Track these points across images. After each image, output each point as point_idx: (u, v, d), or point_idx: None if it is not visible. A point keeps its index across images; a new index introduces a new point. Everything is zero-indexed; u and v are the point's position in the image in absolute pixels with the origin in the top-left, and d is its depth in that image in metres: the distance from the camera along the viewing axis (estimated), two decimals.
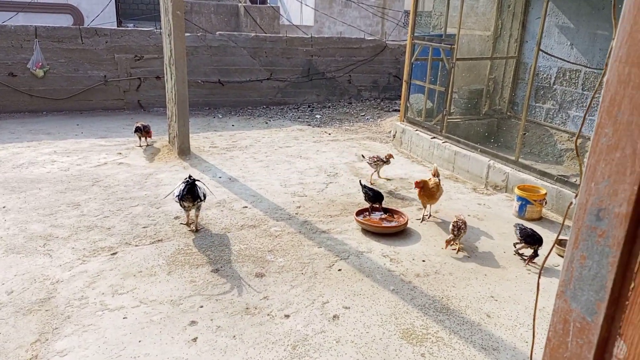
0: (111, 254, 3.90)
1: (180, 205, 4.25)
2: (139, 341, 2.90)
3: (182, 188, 4.15)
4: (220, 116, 8.97)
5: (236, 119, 8.84)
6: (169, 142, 6.87)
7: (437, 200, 4.60)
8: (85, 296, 3.32)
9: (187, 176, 4.26)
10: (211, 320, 3.12)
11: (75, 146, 6.74)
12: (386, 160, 5.67)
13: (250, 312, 3.21)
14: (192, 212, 4.37)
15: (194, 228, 4.35)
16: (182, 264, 3.79)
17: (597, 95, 5.03)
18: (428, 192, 4.45)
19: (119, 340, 2.90)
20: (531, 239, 3.81)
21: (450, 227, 3.99)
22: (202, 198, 4.27)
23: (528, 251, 3.91)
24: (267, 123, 8.57)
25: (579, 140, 6.03)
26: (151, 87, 9.01)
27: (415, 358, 2.80)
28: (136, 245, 4.07)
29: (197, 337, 2.96)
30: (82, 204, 4.84)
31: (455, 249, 4.05)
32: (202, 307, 3.26)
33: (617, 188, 0.71)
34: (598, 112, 0.73)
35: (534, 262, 3.87)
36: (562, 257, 3.96)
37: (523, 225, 4.02)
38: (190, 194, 4.14)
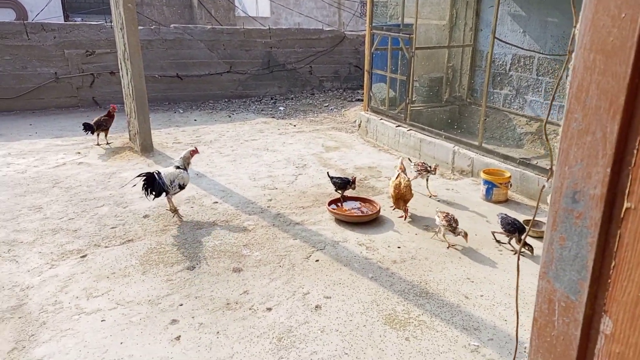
0: (81, 257, 3.76)
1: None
2: (121, 343, 2.82)
3: (142, 185, 4.16)
4: (181, 111, 8.75)
5: (198, 113, 8.66)
6: (130, 140, 6.66)
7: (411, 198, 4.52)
8: (59, 301, 3.19)
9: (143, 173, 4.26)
10: (192, 317, 3.07)
11: (30, 147, 6.42)
12: (432, 171, 4.90)
13: (232, 308, 3.18)
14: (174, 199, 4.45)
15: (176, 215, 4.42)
16: (156, 263, 3.69)
17: (561, 83, 5.25)
18: (402, 197, 4.36)
19: (99, 344, 2.81)
20: (511, 227, 3.85)
21: (445, 222, 3.86)
22: (170, 189, 4.25)
23: (507, 239, 3.98)
24: (230, 117, 8.44)
25: (537, 124, 6.28)
26: (105, 83, 8.68)
27: (400, 342, 2.86)
28: (106, 247, 3.94)
29: (180, 336, 2.90)
30: (45, 207, 4.62)
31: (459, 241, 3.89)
32: (181, 305, 3.20)
33: (591, 171, 0.72)
34: (567, 98, 0.75)
35: (504, 244, 3.99)
36: (533, 237, 4.14)
37: (505, 215, 3.99)
38: (151, 187, 4.16)
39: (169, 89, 9.21)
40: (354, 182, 4.67)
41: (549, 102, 6.15)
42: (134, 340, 2.84)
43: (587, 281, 0.75)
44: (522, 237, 3.63)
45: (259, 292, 3.36)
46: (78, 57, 8.38)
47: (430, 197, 4.96)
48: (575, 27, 0.81)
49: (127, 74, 6.13)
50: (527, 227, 3.82)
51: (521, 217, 4.48)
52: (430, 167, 4.95)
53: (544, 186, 3.80)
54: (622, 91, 0.66)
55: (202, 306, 3.19)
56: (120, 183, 5.25)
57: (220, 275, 3.56)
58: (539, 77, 6.29)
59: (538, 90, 6.34)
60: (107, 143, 6.57)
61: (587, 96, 0.71)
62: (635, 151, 0.66)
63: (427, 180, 5.01)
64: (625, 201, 0.68)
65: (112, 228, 4.25)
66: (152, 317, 3.06)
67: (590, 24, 0.70)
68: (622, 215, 0.69)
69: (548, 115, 1.47)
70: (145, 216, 4.49)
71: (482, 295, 3.33)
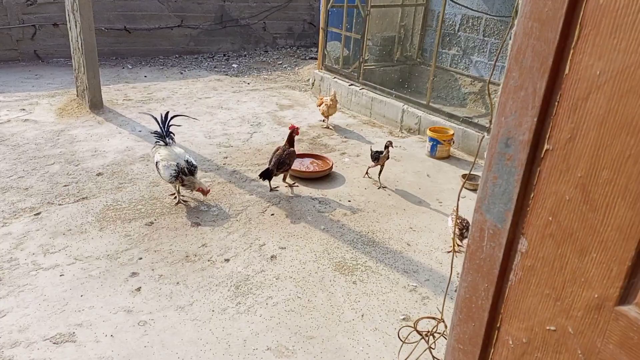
0: (34, 215, 3.77)
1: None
2: (81, 295, 2.93)
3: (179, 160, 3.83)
4: (130, 67, 8.49)
5: (148, 69, 8.43)
6: (78, 96, 6.46)
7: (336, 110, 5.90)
8: (14, 258, 3.24)
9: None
10: (152, 270, 3.21)
11: None
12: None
13: (191, 260, 3.34)
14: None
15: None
16: (113, 220, 3.77)
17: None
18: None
19: (59, 297, 2.91)
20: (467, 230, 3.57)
21: (457, 230, 3.26)
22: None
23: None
24: (182, 73, 8.29)
25: (480, 85, 6.59)
26: (48, 36, 8.25)
27: (348, 285, 3.14)
28: (60, 204, 3.95)
29: (140, 287, 3.05)
30: None
31: (459, 250, 3.35)
32: (141, 259, 3.32)
33: (522, 120, 0.88)
34: (507, 59, 0.90)
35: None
36: (467, 189, 4.48)
37: (463, 219, 3.43)
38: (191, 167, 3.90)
39: (117, 43, 8.86)
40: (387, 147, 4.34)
41: (493, 62, 6.44)
42: (94, 293, 2.96)
43: (511, 211, 0.90)
44: (459, 191, 3.89)
45: (217, 244, 3.53)
46: (18, 7, 7.88)
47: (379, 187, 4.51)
48: None
49: (75, 26, 5.88)
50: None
51: (460, 172, 4.82)
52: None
53: (483, 137, 4.06)
54: (551, 54, 0.80)
55: (161, 259, 3.33)
56: (70, 140, 5.16)
57: (179, 230, 3.69)
58: (485, 38, 6.55)
59: (483, 51, 6.61)
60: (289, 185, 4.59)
61: (524, 58, 0.84)
62: (556, 103, 0.82)
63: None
64: (546, 144, 0.84)
65: (65, 186, 4.24)
66: (111, 271, 3.18)
67: None
68: (542, 156, 0.85)
69: (491, 75, 1.65)
70: (99, 174, 4.49)
71: (422, 243, 3.64)
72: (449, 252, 3.52)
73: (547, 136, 0.84)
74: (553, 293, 0.91)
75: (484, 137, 4.57)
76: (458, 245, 3.26)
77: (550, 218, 0.87)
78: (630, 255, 0.77)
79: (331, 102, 5.83)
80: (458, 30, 6.87)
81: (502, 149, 0.94)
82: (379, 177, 4.53)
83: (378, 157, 4.40)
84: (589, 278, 0.85)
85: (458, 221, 3.27)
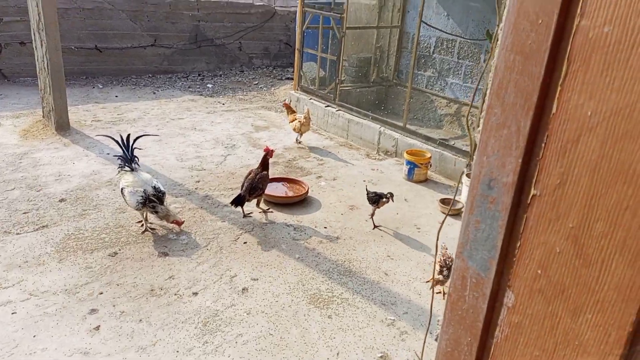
0: None
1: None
2: (34, 336, 2.71)
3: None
4: (101, 86, 8.26)
5: (119, 89, 8.22)
6: (44, 117, 6.21)
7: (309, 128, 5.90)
8: None
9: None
10: (113, 306, 3.00)
11: None
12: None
13: (156, 294, 3.14)
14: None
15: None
16: (74, 250, 3.54)
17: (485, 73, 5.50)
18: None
19: (9, 338, 2.68)
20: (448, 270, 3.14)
21: (438, 267, 3.10)
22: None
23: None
24: (155, 93, 8.10)
25: (456, 106, 6.60)
26: (15, 55, 7.98)
27: (323, 320, 2.98)
28: (17, 234, 3.71)
29: (99, 325, 2.83)
30: None
31: (440, 292, 3.24)
32: (102, 293, 3.11)
33: (505, 161, 0.80)
34: (488, 94, 0.82)
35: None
36: (444, 213, 4.40)
37: (448, 256, 3.18)
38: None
39: (87, 62, 8.64)
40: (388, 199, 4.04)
41: (468, 85, 6.48)
42: (48, 333, 2.74)
43: (495, 259, 0.83)
44: (442, 221, 3.81)
45: (185, 276, 3.34)
46: None
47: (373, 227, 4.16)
48: (498, 26, 0.87)
49: (41, 45, 5.67)
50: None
51: (438, 196, 4.75)
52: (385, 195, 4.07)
53: (463, 172, 3.98)
54: (536, 90, 0.73)
55: (124, 294, 3.12)
56: (33, 164, 4.91)
57: (145, 260, 3.49)
58: (460, 60, 6.58)
59: (458, 73, 6.64)
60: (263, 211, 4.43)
61: (506, 93, 0.78)
62: (543, 144, 0.74)
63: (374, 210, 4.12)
64: (532, 188, 0.76)
65: (25, 213, 4.00)
66: (69, 308, 2.95)
67: (513, 27, 0.76)
68: (529, 201, 0.77)
69: (471, 104, 1.57)
70: (62, 200, 4.26)
71: (400, 272, 3.52)
72: (427, 281, 3.40)
73: (534, 180, 0.76)
74: (543, 356, 0.82)
75: (463, 171, 4.51)
76: (437, 290, 3.11)
77: (539, 271, 0.78)
78: (631, 320, 0.68)
79: (305, 120, 5.81)
80: (433, 52, 6.90)
81: (484, 191, 0.86)
82: (372, 218, 4.13)
83: (378, 201, 4.00)
84: (583, 342, 0.76)
85: (442, 258, 3.09)
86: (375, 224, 4.15)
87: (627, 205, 0.64)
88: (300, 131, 5.91)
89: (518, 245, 0.81)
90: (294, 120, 5.92)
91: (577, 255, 0.72)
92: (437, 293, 3.18)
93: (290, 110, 6.11)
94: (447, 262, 3.06)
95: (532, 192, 0.77)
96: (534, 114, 0.74)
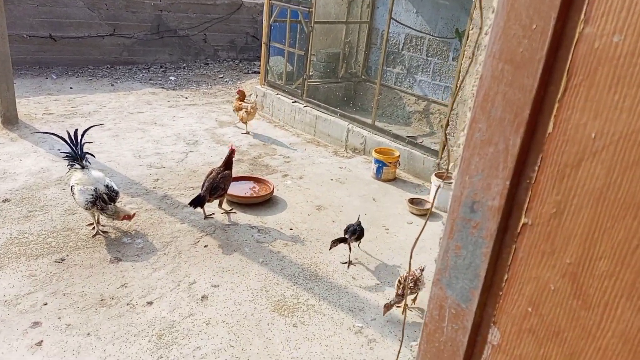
0: None
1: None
2: None
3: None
4: (55, 77, 7.81)
5: (75, 80, 7.78)
6: None
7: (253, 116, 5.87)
8: None
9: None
10: (59, 318, 2.75)
11: None
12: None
13: (107, 304, 2.90)
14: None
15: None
16: (16, 256, 3.25)
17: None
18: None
19: None
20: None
21: (396, 283, 2.98)
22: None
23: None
24: (113, 85, 7.71)
25: (424, 104, 6.54)
26: None
27: (288, 329, 2.82)
28: None
29: (42, 340, 2.58)
30: None
31: (400, 306, 3.00)
32: (46, 304, 2.85)
33: (491, 182, 0.72)
34: (472, 107, 0.73)
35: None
36: (414, 214, 4.32)
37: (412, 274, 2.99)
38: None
39: (41, 51, 8.14)
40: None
41: (437, 82, 6.42)
42: None
43: (478, 290, 0.76)
44: (421, 231, 3.69)
45: (139, 284, 3.11)
46: None
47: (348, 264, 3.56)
48: (481, 28, 0.77)
49: None
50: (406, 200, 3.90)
51: (407, 195, 4.66)
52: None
53: (439, 186, 3.83)
54: (528, 104, 0.65)
55: (71, 304, 2.87)
56: None
57: (95, 267, 3.23)
58: (428, 58, 6.52)
59: (427, 71, 6.57)
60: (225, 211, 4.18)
61: (493, 107, 0.69)
62: (536, 167, 0.66)
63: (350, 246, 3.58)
64: (523, 217, 0.68)
65: None
66: (8, 321, 2.69)
67: (501, 32, 0.66)
68: (518, 230, 0.69)
69: (448, 118, 1.43)
70: (5, 200, 3.94)
71: (367, 275, 3.40)
72: (399, 307, 3.05)
73: (525, 207, 0.68)
74: None
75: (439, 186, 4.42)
76: (397, 304, 2.93)
77: (530, 309, 0.71)
78: None
79: (252, 109, 5.82)
80: (402, 49, 6.82)
81: (466, 214, 0.77)
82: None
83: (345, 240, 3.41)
84: None
85: (405, 274, 2.94)
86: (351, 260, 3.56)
87: (637, 243, 0.55)
88: (245, 120, 5.91)
89: (505, 277, 0.73)
90: (240, 110, 5.87)
91: (575, 295, 0.64)
92: (397, 307, 2.98)
93: (242, 97, 6.03)
94: (413, 279, 2.90)
95: (523, 220, 0.68)
96: (525, 132, 0.66)
